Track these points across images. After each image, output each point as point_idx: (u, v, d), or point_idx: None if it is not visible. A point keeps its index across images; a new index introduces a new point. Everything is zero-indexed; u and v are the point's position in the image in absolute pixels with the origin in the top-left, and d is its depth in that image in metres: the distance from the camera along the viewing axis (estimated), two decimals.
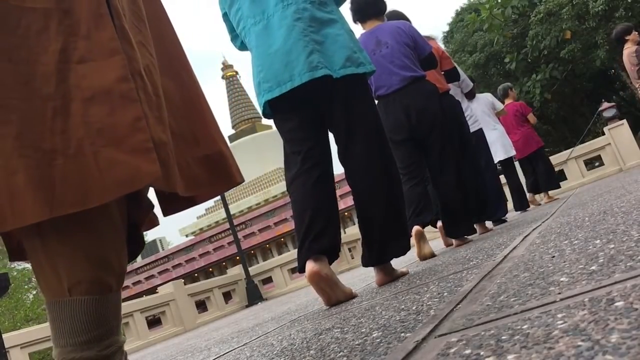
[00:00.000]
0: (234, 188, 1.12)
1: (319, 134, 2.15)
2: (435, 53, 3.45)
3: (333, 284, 1.98)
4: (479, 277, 1.29)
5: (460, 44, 22.00)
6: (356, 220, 2.44)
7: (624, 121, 9.95)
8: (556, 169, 8.51)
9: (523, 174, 7.01)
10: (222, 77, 66.86)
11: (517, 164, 6.75)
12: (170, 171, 0.85)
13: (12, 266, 28.68)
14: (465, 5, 23.89)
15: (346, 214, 28.31)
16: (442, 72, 3.75)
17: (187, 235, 49.55)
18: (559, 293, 0.79)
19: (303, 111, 2.12)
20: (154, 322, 9.62)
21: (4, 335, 3.77)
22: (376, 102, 3.06)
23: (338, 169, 2.21)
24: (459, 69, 4.08)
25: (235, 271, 11.51)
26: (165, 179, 0.83)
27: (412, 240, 2.54)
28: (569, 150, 10.73)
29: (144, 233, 1.05)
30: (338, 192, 2.30)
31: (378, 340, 0.94)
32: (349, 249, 11.68)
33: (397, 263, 2.70)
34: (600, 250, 1.05)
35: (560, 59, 17.77)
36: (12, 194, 0.73)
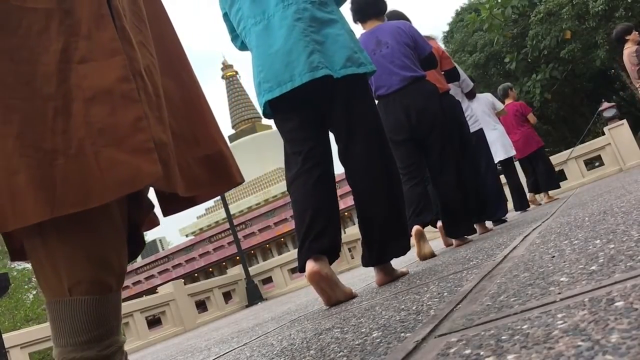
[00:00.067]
0: (234, 188, 1.12)
1: (320, 134, 2.15)
2: (435, 53, 3.45)
3: (333, 283, 1.98)
4: (479, 277, 1.29)
5: (460, 43, 22.01)
6: (356, 220, 2.45)
7: (624, 121, 9.95)
8: (556, 169, 8.50)
9: (524, 174, 7.01)
10: (222, 77, 66.88)
11: (517, 163, 6.76)
12: (171, 171, 0.86)
13: (12, 266, 28.69)
14: (465, 5, 23.89)
15: (346, 214, 28.31)
16: (442, 72, 3.75)
17: (187, 235, 49.56)
18: (559, 293, 0.79)
19: (303, 111, 2.12)
20: (154, 322, 9.62)
21: (4, 335, 3.77)
22: (376, 102, 3.06)
23: (338, 168, 2.21)
24: (459, 68, 4.08)
25: (235, 271, 11.51)
26: (165, 179, 0.83)
27: (412, 240, 2.54)
28: (569, 150, 10.73)
29: (144, 233, 1.05)
30: (338, 192, 2.30)
31: (378, 340, 0.94)
32: (349, 249, 11.68)
33: (397, 263, 2.70)
34: (600, 250, 1.05)
35: (560, 59, 17.78)
36: (13, 194, 0.73)
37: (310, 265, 1.94)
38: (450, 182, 3.12)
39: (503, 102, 6.83)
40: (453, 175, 3.12)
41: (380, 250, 2.12)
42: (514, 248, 1.75)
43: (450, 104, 3.69)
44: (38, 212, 0.73)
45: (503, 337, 0.65)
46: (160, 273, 36.30)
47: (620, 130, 9.86)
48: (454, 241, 3.28)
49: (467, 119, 4.14)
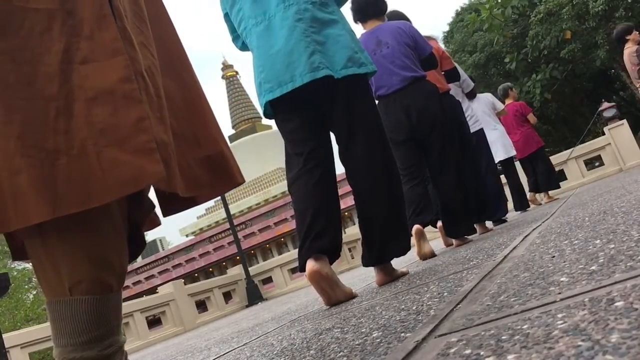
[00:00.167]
0: (234, 188, 1.11)
1: (321, 135, 2.16)
2: (435, 53, 3.45)
3: (333, 283, 1.98)
4: (479, 277, 1.29)
5: (461, 44, 22.01)
6: (356, 220, 2.46)
7: (624, 121, 9.95)
8: (556, 169, 8.50)
9: (524, 174, 7.01)
10: (222, 77, 66.87)
11: (517, 163, 6.75)
12: (172, 171, 0.86)
13: (12, 266, 28.69)
14: (465, 5, 23.89)
15: (346, 213, 28.31)
16: (443, 72, 3.75)
17: (187, 235, 49.55)
18: (559, 293, 0.79)
19: (304, 112, 2.13)
20: (154, 322, 9.62)
21: (4, 335, 3.77)
22: (376, 102, 3.07)
23: (339, 168, 2.21)
24: (459, 68, 4.08)
25: (235, 271, 11.51)
26: (166, 179, 0.83)
27: (412, 240, 2.54)
28: (569, 150, 10.73)
29: (145, 233, 1.05)
30: (338, 192, 2.31)
31: (378, 340, 0.94)
32: (349, 249, 11.68)
33: (397, 263, 2.70)
34: (601, 250, 1.05)
35: (560, 59, 17.78)
36: (15, 194, 0.73)
37: (310, 264, 1.94)
38: (450, 182, 3.12)
39: (503, 102, 6.83)
40: (453, 175, 3.13)
41: (380, 250, 2.13)
42: (514, 248, 1.75)
43: (451, 104, 3.70)
44: (40, 212, 0.73)
45: (503, 337, 0.65)
46: (160, 273, 36.29)
47: (620, 130, 9.86)
48: (454, 241, 3.28)
49: (467, 119, 4.14)
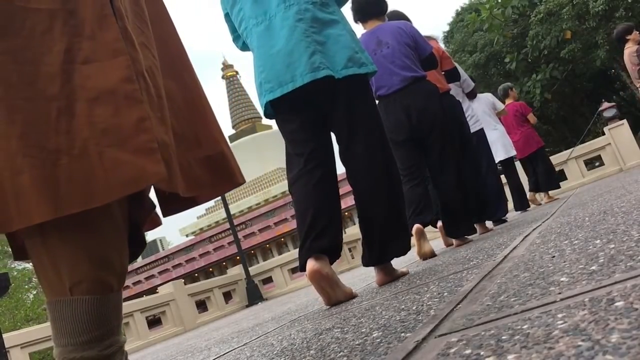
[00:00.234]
0: (235, 188, 1.11)
1: (322, 135, 2.16)
2: (435, 53, 3.45)
3: (333, 283, 1.98)
4: (479, 277, 1.29)
5: (461, 44, 22.01)
6: (356, 220, 2.46)
7: (624, 121, 9.95)
8: (556, 169, 8.50)
9: (525, 174, 7.01)
10: (222, 77, 66.85)
11: (518, 163, 6.76)
12: (172, 171, 0.86)
13: (13, 266, 28.71)
14: (465, 5, 23.89)
15: (346, 213, 28.30)
16: (443, 72, 3.75)
17: (187, 235, 49.54)
18: (559, 293, 0.79)
19: (305, 112, 2.13)
20: (154, 322, 9.62)
21: (4, 335, 3.77)
22: (377, 102, 3.07)
23: (339, 168, 2.21)
24: (459, 68, 4.08)
25: (235, 271, 11.51)
26: (167, 179, 0.83)
27: (413, 239, 2.54)
28: (569, 150, 10.73)
29: (145, 233, 1.05)
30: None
31: (378, 340, 0.94)
32: (349, 249, 11.68)
33: (398, 263, 2.70)
34: (601, 250, 1.05)
35: (561, 59, 17.78)
36: (17, 194, 0.73)
37: (311, 264, 1.94)
38: (451, 182, 3.12)
39: (503, 102, 6.83)
40: (453, 175, 3.13)
41: (380, 250, 2.13)
42: (514, 248, 1.75)
43: (451, 104, 3.70)
44: (42, 212, 0.73)
45: (503, 337, 0.65)
46: (160, 273, 36.29)
47: (621, 130, 9.86)
48: (454, 241, 3.28)
49: (467, 118, 4.14)
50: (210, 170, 1.00)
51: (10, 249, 0.97)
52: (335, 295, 1.99)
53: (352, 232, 12.29)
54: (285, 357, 1.18)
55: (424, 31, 3.75)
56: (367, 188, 2.13)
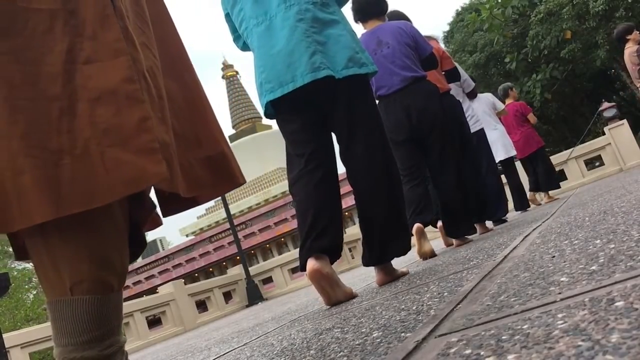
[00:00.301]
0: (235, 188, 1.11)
1: (322, 135, 2.16)
2: (435, 53, 3.45)
3: (334, 282, 1.98)
4: (479, 277, 1.29)
5: (461, 44, 22.01)
6: (356, 220, 2.47)
7: (624, 121, 9.95)
8: (556, 169, 8.50)
9: (525, 174, 7.02)
10: (223, 77, 66.82)
11: (518, 163, 6.76)
12: (173, 172, 0.86)
13: (13, 266, 28.72)
14: (465, 5, 23.89)
15: (346, 213, 28.28)
16: (443, 72, 3.75)
17: (187, 235, 49.51)
18: (559, 293, 0.79)
19: (306, 112, 2.13)
20: (154, 322, 9.62)
21: (4, 335, 3.77)
22: (377, 102, 3.07)
23: (339, 168, 2.21)
24: (460, 68, 4.08)
25: (236, 271, 11.51)
26: (169, 179, 0.83)
27: (413, 239, 2.54)
28: (569, 150, 10.73)
29: (145, 233, 1.05)
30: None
31: (378, 340, 0.95)
32: (349, 249, 11.68)
33: (398, 263, 2.70)
34: (601, 250, 1.05)
35: (561, 59, 17.78)
36: (19, 194, 0.73)
37: (311, 263, 1.94)
38: (451, 182, 3.12)
39: (503, 102, 6.83)
40: (453, 175, 3.13)
41: (380, 250, 2.13)
42: (514, 248, 1.75)
43: (451, 104, 3.70)
44: (43, 212, 0.73)
45: (503, 337, 0.65)
46: (160, 273, 36.28)
47: (621, 130, 9.86)
48: (454, 241, 3.29)
49: (468, 118, 4.14)
50: (210, 171, 1.00)
51: (10, 249, 0.97)
52: (335, 295, 1.99)
53: (352, 232, 12.30)
54: (286, 357, 1.18)
55: (424, 31, 3.75)
56: (367, 188, 2.13)
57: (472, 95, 4.83)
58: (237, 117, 65.28)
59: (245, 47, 2.36)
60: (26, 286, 30.19)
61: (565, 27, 16.41)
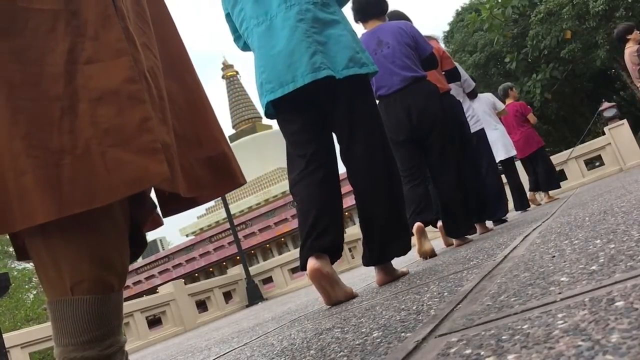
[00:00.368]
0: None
1: (323, 136, 2.16)
2: (436, 53, 3.45)
3: (334, 282, 1.98)
4: (479, 277, 1.30)
5: (461, 43, 22.01)
6: (357, 220, 2.47)
7: (624, 121, 9.95)
8: (556, 168, 8.50)
9: (526, 174, 7.02)
10: (223, 77, 66.79)
11: (518, 163, 6.75)
12: (174, 172, 0.86)
13: (13, 266, 28.70)
14: (465, 5, 23.89)
15: (347, 213, 28.28)
16: (443, 72, 3.75)
17: (187, 235, 49.49)
18: (559, 293, 0.79)
19: (306, 113, 2.13)
20: (154, 322, 9.62)
21: (4, 335, 3.77)
22: (377, 102, 3.07)
23: (339, 168, 2.21)
24: (460, 68, 4.08)
25: (236, 271, 11.51)
26: (170, 179, 0.83)
27: (413, 239, 2.54)
28: (569, 150, 10.73)
29: (145, 233, 1.05)
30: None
31: (378, 340, 0.95)
32: (350, 249, 11.68)
33: (398, 263, 2.70)
34: (601, 250, 1.05)
35: (561, 59, 17.78)
36: (20, 194, 0.73)
37: (311, 263, 1.94)
38: (451, 182, 3.12)
39: (504, 102, 6.83)
40: (453, 175, 3.13)
41: (380, 250, 2.13)
42: (515, 248, 1.75)
43: (451, 104, 3.70)
44: (45, 212, 0.73)
45: (503, 337, 0.65)
46: (160, 273, 36.28)
47: (621, 130, 9.86)
48: (454, 241, 3.29)
49: (468, 118, 4.14)
50: (211, 171, 1.00)
51: (10, 249, 0.98)
52: (336, 294, 1.99)
53: (352, 232, 12.29)
54: (286, 357, 1.18)
55: (424, 31, 3.75)
56: (368, 188, 2.13)
57: (472, 95, 4.83)
58: (237, 117, 65.26)
59: (245, 47, 2.36)
60: (26, 286, 30.20)
61: (565, 27, 16.41)
